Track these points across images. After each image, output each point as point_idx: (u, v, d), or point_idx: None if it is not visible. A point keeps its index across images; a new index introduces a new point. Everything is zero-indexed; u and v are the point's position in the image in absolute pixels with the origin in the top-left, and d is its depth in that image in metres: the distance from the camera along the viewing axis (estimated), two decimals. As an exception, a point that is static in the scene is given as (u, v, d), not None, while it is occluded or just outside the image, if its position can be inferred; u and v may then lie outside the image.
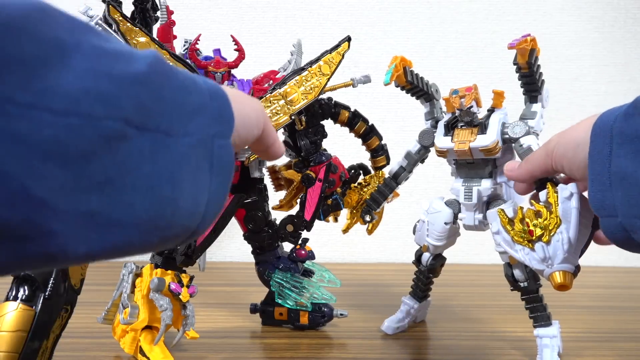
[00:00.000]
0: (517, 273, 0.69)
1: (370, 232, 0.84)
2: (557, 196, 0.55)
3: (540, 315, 0.70)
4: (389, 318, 0.82)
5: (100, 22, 0.65)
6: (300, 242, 0.81)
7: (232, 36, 0.75)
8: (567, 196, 0.55)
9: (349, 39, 0.76)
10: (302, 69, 0.73)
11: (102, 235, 0.31)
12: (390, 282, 1.12)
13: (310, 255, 0.81)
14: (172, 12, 0.66)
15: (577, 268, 0.56)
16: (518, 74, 0.67)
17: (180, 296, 0.68)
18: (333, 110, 0.80)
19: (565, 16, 1.35)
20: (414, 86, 0.74)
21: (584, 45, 1.33)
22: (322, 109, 0.79)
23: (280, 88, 0.71)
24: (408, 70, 0.73)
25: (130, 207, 0.32)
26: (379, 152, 0.83)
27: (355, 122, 0.81)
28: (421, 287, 0.81)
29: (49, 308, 0.55)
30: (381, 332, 0.80)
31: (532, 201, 0.58)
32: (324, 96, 0.79)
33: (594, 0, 1.34)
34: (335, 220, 0.83)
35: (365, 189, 0.81)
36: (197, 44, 0.72)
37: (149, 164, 0.33)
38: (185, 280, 0.70)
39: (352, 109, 0.81)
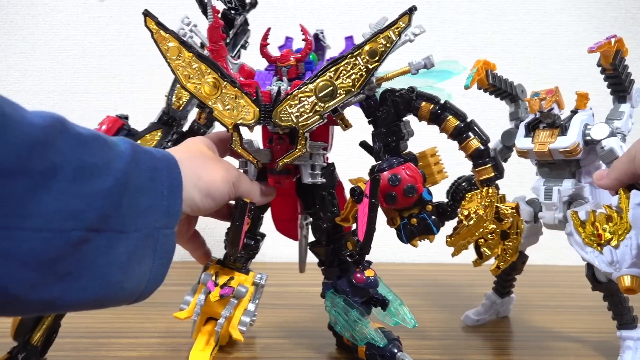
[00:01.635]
0: (597, 273, 0.69)
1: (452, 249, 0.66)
2: (629, 202, 0.56)
3: (624, 316, 0.69)
4: (470, 310, 0.85)
5: (194, 29, 0.68)
6: (362, 264, 0.67)
7: (300, 25, 0.67)
8: (639, 202, 0.55)
9: (411, 10, 0.59)
10: (342, 58, 0.60)
11: (54, 311, 0.42)
12: (390, 282, 1.11)
13: (370, 283, 0.65)
14: (217, 12, 0.66)
15: None
16: (603, 76, 0.67)
17: (210, 295, 0.68)
18: (413, 102, 0.64)
19: (565, 16, 1.35)
20: (497, 88, 0.75)
21: (584, 45, 1.33)
22: (395, 104, 0.64)
23: (311, 83, 0.60)
24: (490, 74, 0.74)
25: (82, 292, 0.40)
26: (480, 159, 0.63)
27: (442, 117, 0.63)
28: (502, 283, 0.85)
29: None
30: (462, 323, 0.84)
31: (605, 206, 0.59)
32: (403, 85, 0.65)
33: (594, 0, 1.34)
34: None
35: (465, 210, 0.62)
36: (267, 38, 0.67)
37: (103, 258, 0.41)
38: (222, 280, 0.69)
39: (441, 101, 0.64)
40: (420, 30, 0.61)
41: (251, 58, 0.73)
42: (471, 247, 0.64)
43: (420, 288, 1.06)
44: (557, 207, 0.70)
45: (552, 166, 0.71)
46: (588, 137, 0.67)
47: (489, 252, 0.63)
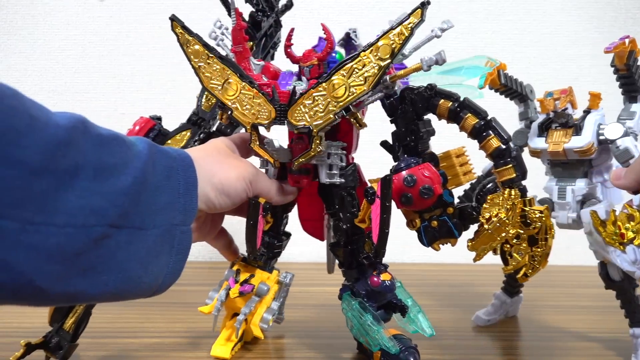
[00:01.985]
0: (611, 272, 0.70)
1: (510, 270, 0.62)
2: None
3: (637, 314, 0.70)
4: (480, 310, 0.86)
5: (225, 32, 0.69)
6: (378, 267, 0.67)
7: (322, 24, 0.65)
8: None
9: (423, 4, 0.58)
10: (355, 56, 0.59)
11: (77, 303, 0.45)
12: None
13: (385, 286, 0.65)
14: (241, 14, 0.66)
15: None
16: (616, 76, 0.68)
17: (230, 291, 0.68)
18: (431, 100, 0.62)
19: (565, 16, 1.35)
20: (508, 88, 0.76)
21: (584, 45, 1.33)
22: (413, 102, 0.62)
23: (325, 81, 0.59)
24: (502, 73, 0.74)
25: (104, 285, 0.42)
26: (501, 159, 0.60)
27: (461, 115, 0.61)
28: (512, 282, 0.85)
29: None
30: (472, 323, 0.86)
31: (626, 205, 0.61)
32: (422, 83, 0.65)
33: (594, 0, 1.34)
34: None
35: (486, 213, 0.59)
36: (291, 39, 0.66)
37: (123, 253, 0.43)
38: (242, 277, 0.70)
39: (460, 98, 0.62)
40: (447, 26, 0.62)
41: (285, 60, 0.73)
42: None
43: (421, 288, 1.06)
44: (571, 207, 0.70)
45: (565, 166, 0.72)
46: (602, 137, 0.68)
47: (519, 259, 0.59)
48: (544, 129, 0.73)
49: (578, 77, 1.27)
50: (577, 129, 0.69)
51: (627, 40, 0.66)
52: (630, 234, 0.60)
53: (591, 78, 1.36)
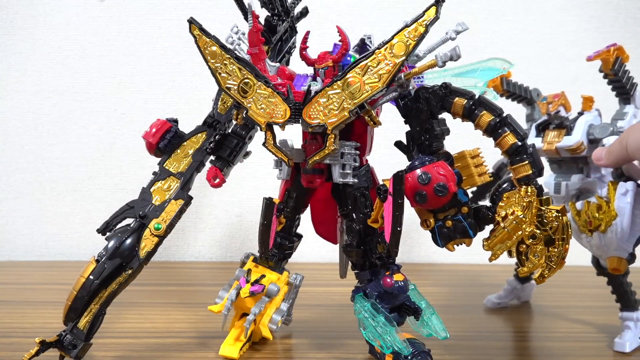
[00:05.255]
0: (601, 261, 0.75)
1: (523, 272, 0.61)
2: (615, 192, 0.67)
3: (625, 299, 0.76)
4: (492, 295, 0.93)
5: (242, 37, 0.69)
6: (391, 267, 0.66)
7: (337, 27, 0.66)
8: (623, 192, 0.66)
9: (437, 1, 0.57)
10: (370, 54, 0.59)
11: None
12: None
13: (398, 287, 0.64)
14: (257, 17, 0.67)
15: (632, 255, 0.70)
16: (607, 80, 0.74)
17: (240, 291, 0.69)
18: (445, 98, 0.62)
19: (565, 16, 1.35)
20: (512, 93, 0.82)
21: (584, 45, 1.33)
22: (427, 101, 0.62)
23: (340, 80, 0.60)
24: (504, 80, 0.81)
25: None
26: (517, 156, 0.59)
27: (477, 112, 0.61)
28: None
29: (111, 264, 0.67)
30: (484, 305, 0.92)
31: (596, 196, 0.69)
32: (436, 81, 0.65)
33: (594, 0, 1.34)
34: (511, 255, 0.61)
35: (502, 211, 0.59)
36: (307, 42, 0.67)
37: None
38: (253, 277, 0.70)
39: (475, 96, 0.62)
40: (462, 28, 0.62)
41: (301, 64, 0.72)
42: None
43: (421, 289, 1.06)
44: (566, 200, 0.75)
45: (561, 163, 0.77)
46: (592, 137, 0.73)
47: (535, 262, 0.57)
48: (542, 130, 0.78)
49: (578, 77, 1.27)
50: (568, 129, 0.74)
51: (612, 48, 0.70)
52: (596, 222, 0.67)
53: (591, 78, 1.36)
